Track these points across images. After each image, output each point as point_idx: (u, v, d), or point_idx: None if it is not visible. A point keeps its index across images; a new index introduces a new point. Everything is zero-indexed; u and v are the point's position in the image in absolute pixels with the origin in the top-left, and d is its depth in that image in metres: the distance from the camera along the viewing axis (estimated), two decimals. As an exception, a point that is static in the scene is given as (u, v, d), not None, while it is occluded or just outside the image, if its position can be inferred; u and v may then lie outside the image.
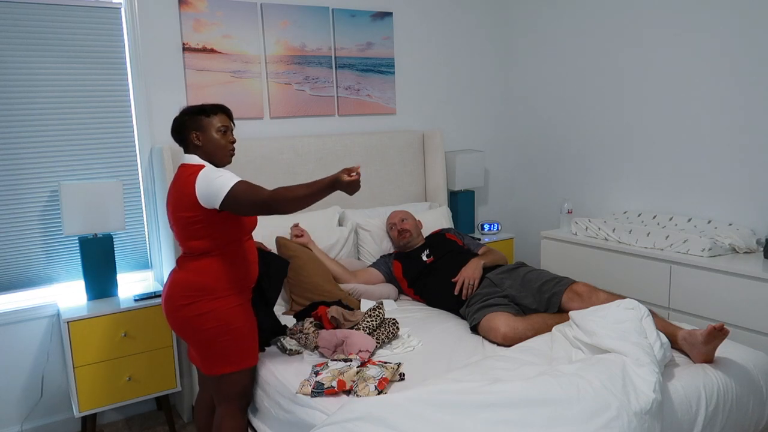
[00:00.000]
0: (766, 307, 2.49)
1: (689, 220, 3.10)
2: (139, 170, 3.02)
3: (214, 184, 1.98)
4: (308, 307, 2.60)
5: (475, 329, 2.47)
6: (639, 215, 3.32)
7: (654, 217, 3.23)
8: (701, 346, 2.04)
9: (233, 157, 2.21)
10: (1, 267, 2.76)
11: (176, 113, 2.20)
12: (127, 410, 3.07)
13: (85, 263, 2.76)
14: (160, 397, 2.93)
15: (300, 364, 2.21)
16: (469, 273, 2.73)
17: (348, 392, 1.96)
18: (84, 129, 2.88)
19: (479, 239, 3.38)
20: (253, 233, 2.25)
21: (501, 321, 2.34)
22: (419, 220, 3.25)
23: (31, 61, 2.73)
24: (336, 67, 3.49)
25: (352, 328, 2.37)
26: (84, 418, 2.79)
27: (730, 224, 2.96)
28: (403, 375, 2.06)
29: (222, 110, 2.18)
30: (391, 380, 2.02)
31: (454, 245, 3.04)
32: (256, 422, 2.26)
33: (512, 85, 4.18)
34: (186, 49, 3.04)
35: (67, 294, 2.89)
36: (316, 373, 2.07)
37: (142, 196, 3.05)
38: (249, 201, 1.95)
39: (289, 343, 2.36)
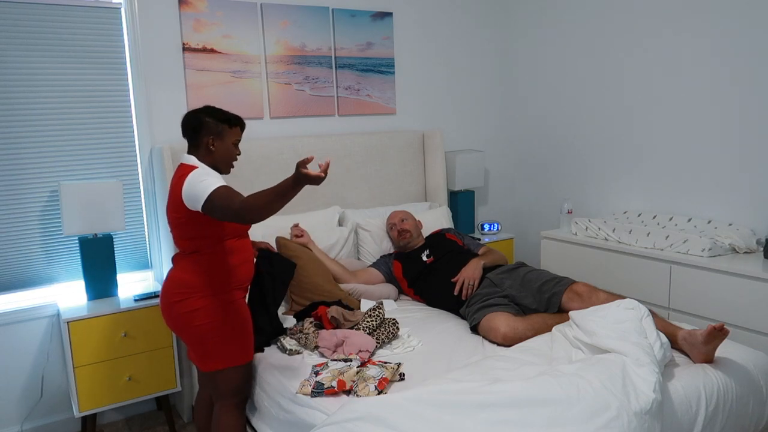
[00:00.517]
0: (766, 307, 2.49)
1: (689, 220, 3.10)
2: (139, 170, 3.02)
3: (198, 187, 1.99)
4: (308, 307, 2.60)
5: (475, 329, 2.47)
6: (639, 215, 3.32)
7: (654, 217, 3.23)
8: (701, 346, 2.04)
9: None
10: (1, 267, 2.76)
11: (194, 108, 2.22)
12: (127, 410, 3.07)
13: (85, 263, 2.76)
14: (160, 397, 2.93)
15: (300, 364, 2.21)
16: (469, 273, 2.73)
17: (348, 392, 1.96)
18: (84, 129, 2.88)
19: (479, 239, 3.38)
20: (252, 233, 2.27)
21: (501, 321, 2.34)
22: (419, 220, 3.25)
23: (31, 61, 2.73)
24: (336, 67, 3.49)
25: (352, 328, 2.38)
26: (84, 418, 2.79)
27: (730, 224, 2.96)
28: (403, 375, 2.06)
29: (241, 124, 2.23)
30: (391, 380, 2.02)
31: (454, 245, 3.04)
32: (256, 422, 2.26)
33: (512, 85, 4.18)
34: (186, 49, 3.04)
35: (67, 294, 2.89)
36: (316, 373, 2.07)
37: (142, 196, 3.05)
38: (223, 209, 1.94)
39: (289, 343, 2.36)
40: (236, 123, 2.20)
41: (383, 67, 3.67)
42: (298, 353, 2.31)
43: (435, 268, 2.91)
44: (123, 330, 2.69)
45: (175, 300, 2.12)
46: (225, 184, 2.00)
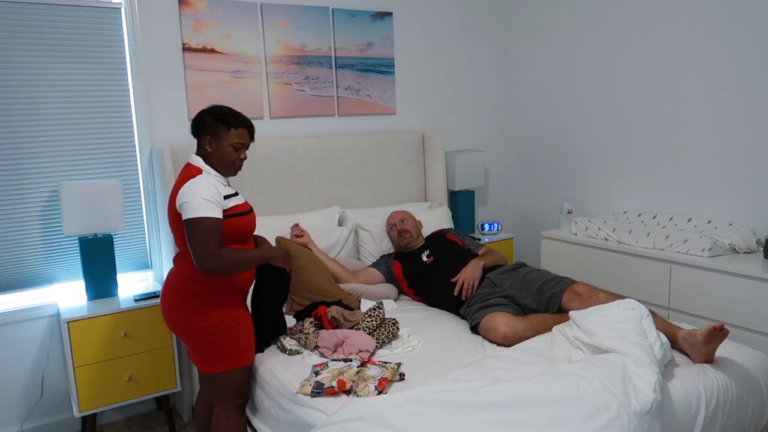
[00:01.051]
0: (766, 307, 2.49)
1: (689, 220, 3.10)
2: (139, 170, 3.02)
3: (185, 206, 1.98)
4: (308, 307, 2.60)
5: (475, 329, 2.47)
6: (639, 215, 3.32)
7: (654, 217, 3.23)
8: (701, 346, 2.04)
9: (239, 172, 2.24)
10: (1, 267, 2.76)
11: (195, 108, 2.27)
12: (127, 410, 3.07)
13: (85, 263, 2.76)
14: (160, 397, 2.93)
15: (300, 364, 2.21)
16: (469, 273, 2.73)
17: (348, 392, 1.96)
18: (84, 129, 2.88)
19: (479, 239, 3.38)
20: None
21: (501, 321, 2.34)
22: (419, 221, 3.25)
23: (31, 61, 2.73)
24: (336, 67, 3.49)
25: (352, 328, 2.37)
26: (84, 418, 2.79)
27: (730, 224, 2.96)
28: (403, 375, 2.06)
29: (246, 126, 2.16)
30: (391, 380, 2.02)
31: (454, 245, 3.04)
32: (256, 422, 2.26)
33: (512, 85, 4.18)
34: (186, 49, 3.04)
35: (67, 294, 2.89)
36: (316, 373, 2.07)
37: (142, 196, 3.05)
38: (196, 242, 1.95)
39: (289, 343, 2.36)
40: (235, 124, 2.12)
41: (383, 67, 3.67)
42: (298, 353, 2.31)
43: (435, 268, 2.91)
44: (123, 330, 2.69)
45: (174, 302, 2.11)
46: (211, 216, 1.98)
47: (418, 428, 1.63)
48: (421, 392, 1.73)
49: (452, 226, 3.57)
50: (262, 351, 2.38)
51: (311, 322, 2.44)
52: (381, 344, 2.33)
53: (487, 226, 3.91)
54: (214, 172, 2.14)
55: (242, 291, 2.22)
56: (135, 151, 3.01)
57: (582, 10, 3.63)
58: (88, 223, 2.72)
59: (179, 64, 3.04)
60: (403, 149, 3.66)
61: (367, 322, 2.37)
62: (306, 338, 2.35)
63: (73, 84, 2.83)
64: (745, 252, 2.79)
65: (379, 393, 1.92)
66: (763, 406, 2.08)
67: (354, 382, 1.98)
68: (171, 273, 2.17)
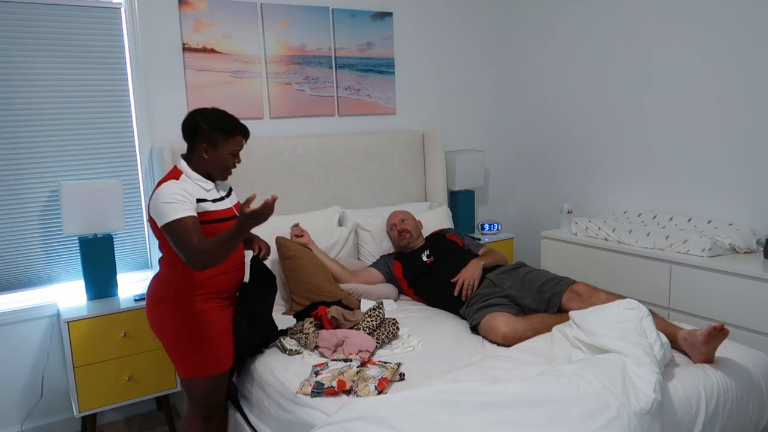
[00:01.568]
0: (766, 307, 2.49)
1: (689, 220, 3.10)
2: (139, 170, 3.02)
3: (160, 208, 1.96)
4: (308, 307, 2.60)
5: (475, 329, 2.47)
6: (639, 215, 3.32)
7: (654, 217, 3.23)
8: (701, 346, 2.04)
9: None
10: (1, 267, 2.76)
11: (196, 107, 2.16)
12: (127, 410, 3.07)
13: (85, 263, 2.76)
14: (160, 397, 2.93)
15: (300, 364, 2.21)
16: (469, 274, 2.73)
17: (348, 392, 1.96)
18: (84, 129, 2.88)
19: (479, 239, 3.38)
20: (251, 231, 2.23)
21: (501, 321, 2.34)
22: (419, 221, 3.25)
23: (31, 61, 2.73)
24: (336, 67, 3.49)
25: (352, 328, 2.37)
26: (84, 418, 2.79)
27: (730, 224, 2.96)
28: (403, 375, 2.05)
29: (243, 132, 2.14)
30: (391, 380, 2.02)
31: (454, 245, 3.04)
32: (256, 422, 2.26)
33: (512, 85, 4.18)
34: (186, 49, 3.04)
35: (67, 294, 2.89)
36: (316, 373, 2.07)
37: (142, 196, 3.05)
38: (178, 246, 1.92)
39: (289, 343, 2.36)
40: (234, 132, 2.10)
41: (383, 67, 3.67)
42: (298, 353, 2.31)
43: (435, 269, 2.91)
44: (123, 330, 2.69)
45: (151, 304, 2.13)
46: (188, 215, 1.95)
47: (418, 428, 1.62)
48: (421, 392, 1.73)
49: (452, 226, 3.57)
50: (237, 366, 2.33)
51: (311, 322, 2.44)
52: (381, 344, 2.33)
53: (487, 226, 3.91)
54: (197, 176, 2.10)
55: (221, 297, 2.18)
56: (135, 151, 3.01)
57: (582, 10, 3.63)
58: (88, 223, 2.72)
59: (179, 64, 3.04)
60: (403, 149, 3.66)
61: (367, 322, 2.37)
62: (306, 338, 2.34)
63: (73, 84, 2.83)
64: (745, 252, 2.79)
65: (379, 393, 1.92)
66: (763, 406, 2.08)
67: (354, 382, 1.98)
68: (154, 276, 2.18)
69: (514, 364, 1.99)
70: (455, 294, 2.69)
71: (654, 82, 3.28)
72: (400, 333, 2.43)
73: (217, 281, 2.15)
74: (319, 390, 1.96)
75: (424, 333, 2.46)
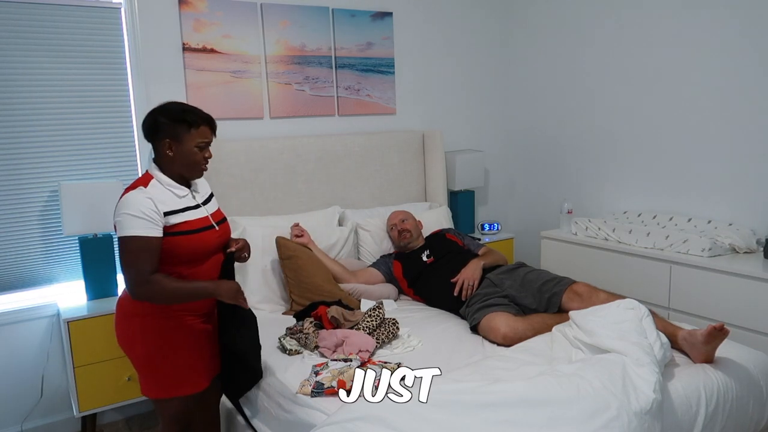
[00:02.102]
0: (766, 307, 2.49)
1: (689, 220, 3.10)
2: (139, 170, 3.02)
3: (121, 218, 1.81)
4: (308, 307, 2.60)
5: (475, 329, 2.47)
6: (639, 215, 3.32)
7: (654, 217, 3.23)
8: (701, 346, 2.04)
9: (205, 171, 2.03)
10: (1, 267, 2.76)
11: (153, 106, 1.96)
12: (127, 410, 3.07)
13: (85, 263, 2.76)
14: (160, 397, 2.93)
15: (300, 364, 2.21)
16: (469, 274, 2.73)
17: (348, 392, 1.96)
18: (84, 129, 2.88)
19: (479, 239, 3.38)
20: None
21: (501, 321, 2.34)
22: (419, 221, 3.25)
23: (31, 61, 2.73)
24: (336, 67, 3.49)
25: (352, 328, 2.37)
26: (84, 418, 2.79)
27: (730, 224, 2.96)
28: (403, 375, 2.05)
29: (207, 122, 1.95)
30: (391, 380, 2.02)
31: (454, 245, 3.04)
32: (256, 422, 2.26)
33: (512, 85, 4.18)
34: (186, 49, 3.04)
35: (67, 294, 2.89)
36: (316, 373, 2.07)
37: (142, 196, 3.04)
38: (125, 264, 1.80)
39: (289, 343, 2.36)
40: (196, 123, 1.90)
41: (383, 67, 3.67)
42: (298, 353, 2.31)
43: (435, 268, 2.91)
44: (123, 330, 2.69)
45: (118, 319, 1.97)
46: (142, 235, 1.78)
47: (418, 428, 1.63)
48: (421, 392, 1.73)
49: (452, 226, 3.57)
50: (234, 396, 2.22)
51: (311, 322, 2.44)
52: (381, 344, 2.33)
53: (487, 226, 3.91)
54: (169, 181, 1.93)
55: (196, 313, 2.01)
56: (135, 151, 3.01)
57: (582, 10, 3.63)
58: (88, 223, 2.72)
59: (179, 64, 3.04)
60: (403, 149, 3.66)
61: (367, 322, 2.37)
62: (306, 338, 2.35)
63: (73, 84, 2.83)
64: (745, 252, 2.79)
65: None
66: (763, 406, 2.08)
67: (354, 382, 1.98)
68: (125, 288, 1.94)
69: (514, 364, 1.99)
70: (455, 294, 2.69)
71: (654, 82, 3.28)
72: (400, 333, 2.43)
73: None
74: (319, 390, 1.96)
75: (424, 333, 2.46)
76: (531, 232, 4.13)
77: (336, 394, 1.95)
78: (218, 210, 2.11)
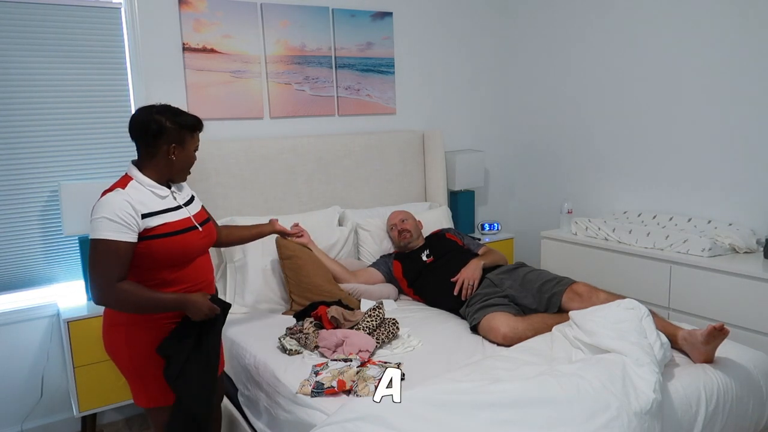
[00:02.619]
0: (766, 307, 2.49)
1: (689, 220, 3.10)
2: (139, 170, 3.02)
3: (95, 221, 1.79)
4: (308, 307, 2.60)
5: (475, 329, 2.47)
6: (639, 215, 3.32)
7: (654, 217, 3.23)
8: (701, 346, 2.04)
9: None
10: (1, 267, 2.76)
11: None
12: (127, 410, 3.07)
13: (85, 263, 2.76)
14: (160, 397, 2.93)
15: (300, 364, 2.21)
16: (469, 274, 2.73)
17: (348, 392, 1.96)
18: (84, 129, 2.88)
19: (479, 239, 3.38)
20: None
21: (501, 321, 2.34)
22: (419, 221, 3.25)
23: (31, 61, 2.73)
24: (336, 67, 3.49)
25: (352, 328, 2.37)
26: (84, 418, 2.79)
27: (730, 224, 2.96)
28: (404, 375, 2.05)
29: (201, 127, 1.99)
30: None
31: (454, 245, 3.04)
32: (255, 422, 2.26)
33: (512, 84, 4.18)
34: (186, 49, 3.04)
35: (67, 294, 2.89)
36: (316, 373, 2.07)
37: (142, 196, 3.04)
38: (92, 268, 1.76)
39: (289, 343, 2.36)
40: (199, 127, 1.96)
41: (383, 67, 3.67)
42: (298, 353, 2.31)
43: (435, 268, 2.91)
44: (123, 330, 2.68)
45: (105, 327, 1.95)
46: (114, 239, 1.75)
47: (418, 428, 1.63)
48: (421, 392, 1.73)
49: (452, 226, 3.57)
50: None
51: (311, 322, 2.44)
52: (381, 344, 2.33)
53: (487, 226, 3.91)
54: (150, 182, 1.90)
55: (172, 321, 1.94)
56: (135, 151, 3.00)
57: (581, 10, 3.63)
58: (88, 223, 2.70)
59: (179, 64, 3.04)
60: (403, 149, 3.66)
61: (367, 322, 2.37)
62: (306, 338, 2.35)
63: (73, 84, 2.83)
64: (745, 252, 2.79)
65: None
66: (763, 406, 2.08)
67: (354, 382, 1.98)
68: None
69: (514, 364, 1.99)
70: (455, 294, 2.69)
71: (654, 82, 3.28)
72: (400, 333, 2.43)
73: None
74: (319, 390, 1.96)
75: (424, 333, 2.46)
76: (531, 232, 4.13)
77: (336, 394, 1.95)
78: (201, 210, 2.08)
